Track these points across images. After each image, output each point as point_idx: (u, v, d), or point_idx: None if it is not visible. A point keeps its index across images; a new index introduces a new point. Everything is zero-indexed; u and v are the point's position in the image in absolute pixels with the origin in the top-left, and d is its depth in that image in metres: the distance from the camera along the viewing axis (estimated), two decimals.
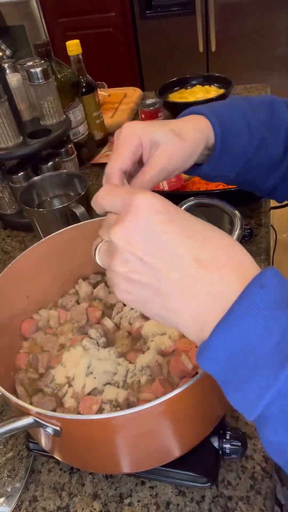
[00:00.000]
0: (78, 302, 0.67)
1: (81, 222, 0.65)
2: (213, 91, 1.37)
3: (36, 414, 0.41)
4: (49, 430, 0.41)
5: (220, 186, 0.94)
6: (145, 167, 0.45)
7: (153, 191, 0.44)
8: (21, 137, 0.95)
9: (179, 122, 0.48)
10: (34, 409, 0.41)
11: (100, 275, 0.69)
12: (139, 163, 0.46)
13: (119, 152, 0.44)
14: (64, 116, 1.03)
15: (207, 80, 1.42)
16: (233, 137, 0.51)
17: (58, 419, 0.40)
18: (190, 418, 0.47)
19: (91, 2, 2.37)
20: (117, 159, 0.43)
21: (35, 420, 0.41)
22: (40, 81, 0.94)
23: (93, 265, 0.69)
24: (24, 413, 0.42)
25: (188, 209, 0.65)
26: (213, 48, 2.37)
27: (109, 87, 1.56)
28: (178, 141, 0.46)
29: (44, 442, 0.49)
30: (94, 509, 0.54)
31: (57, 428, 0.41)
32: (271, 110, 0.55)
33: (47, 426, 0.41)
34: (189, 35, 2.34)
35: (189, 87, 1.42)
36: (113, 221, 0.34)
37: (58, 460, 0.55)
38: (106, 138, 1.32)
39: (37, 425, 0.41)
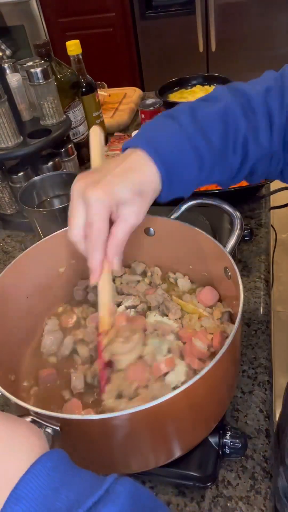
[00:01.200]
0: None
1: None
2: None
3: (35, 414, 0.41)
4: (49, 430, 0.41)
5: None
6: (116, 226, 0.47)
7: None
8: (21, 137, 0.95)
9: (135, 175, 0.47)
10: (33, 409, 0.41)
11: None
12: None
13: (99, 246, 0.46)
14: (64, 116, 1.03)
15: (207, 80, 1.42)
16: (181, 174, 0.49)
17: (57, 419, 0.40)
18: (190, 418, 0.47)
19: (91, 2, 2.37)
20: (100, 253, 0.47)
21: (34, 420, 0.41)
22: (40, 81, 0.94)
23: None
24: (23, 413, 0.42)
25: (188, 209, 0.65)
26: (213, 48, 2.37)
27: (109, 87, 1.56)
28: (140, 200, 0.47)
29: None
30: None
31: (57, 428, 0.41)
32: (225, 123, 0.50)
33: (46, 426, 0.41)
34: (189, 35, 2.34)
35: (189, 87, 1.43)
36: None
37: None
38: (106, 138, 1.32)
39: (36, 425, 0.41)
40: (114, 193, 0.45)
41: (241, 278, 0.49)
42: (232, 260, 0.52)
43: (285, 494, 0.70)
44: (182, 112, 0.51)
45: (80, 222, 0.47)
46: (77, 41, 1.13)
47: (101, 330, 0.50)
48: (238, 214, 0.60)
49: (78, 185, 0.47)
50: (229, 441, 0.52)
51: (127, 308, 0.63)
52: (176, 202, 0.66)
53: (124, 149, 0.50)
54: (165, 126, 0.50)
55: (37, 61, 0.98)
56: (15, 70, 1.03)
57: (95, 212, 0.45)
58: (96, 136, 0.58)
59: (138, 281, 0.67)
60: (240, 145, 0.51)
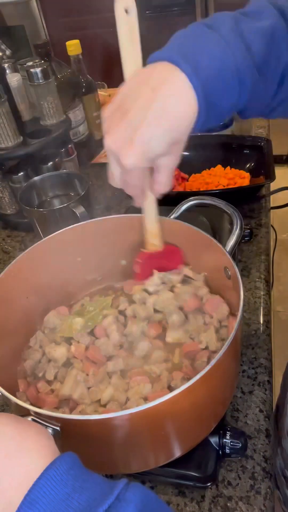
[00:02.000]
0: None
1: (81, 222, 0.65)
2: None
3: (35, 414, 0.41)
4: (49, 430, 0.41)
5: (220, 186, 0.94)
6: (158, 174, 0.47)
7: None
8: (21, 137, 0.95)
9: (171, 118, 0.41)
10: (33, 409, 0.41)
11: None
12: None
13: (138, 194, 0.50)
14: (64, 116, 1.03)
15: None
16: (219, 99, 0.43)
17: (57, 419, 0.40)
18: (190, 418, 0.47)
19: (91, 2, 2.37)
20: (141, 197, 0.51)
21: (34, 420, 0.41)
22: (40, 81, 0.94)
23: (93, 265, 0.69)
24: (23, 413, 0.42)
25: (188, 209, 0.65)
26: None
27: (109, 87, 1.56)
28: (178, 147, 0.44)
29: None
30: None
31: (57, 428, 0.41)
32: (269, 44, 0.43)
33: (46, 426, 0.41)
34: None
35: None
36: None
37: None
38: None
39: None
40: (150, 152, 0.42)
41: (241, 278, 0.49)
42: (232, 260, 0.52)
43: (283, 472, 0.73)
44: (222, 22, 0.43)
45: (117, 174, 0.46)
46: (77, 41, 1.13)
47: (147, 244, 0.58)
48: (238, 214, 0.60)
49: (110, 143, 0.43)
50: (229, 441, 0.52)
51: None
52: (176, 202, 0.66)
53: (152, 61, 0.45)
54: (202, 36, 0.43)
55: (37, 61, 0.98)
56: (15, 70, 1.03)
57: (131, 176, 0.45)
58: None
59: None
60: (279, 74, 0.45)
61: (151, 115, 0.40)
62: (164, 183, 0.48)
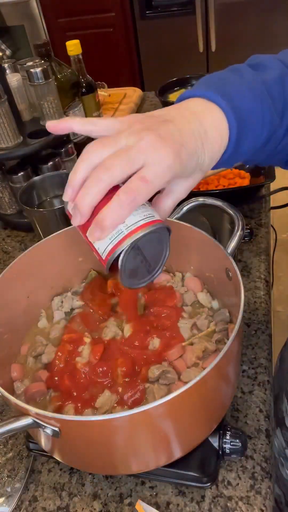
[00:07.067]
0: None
1: None
2: None
3: (35, 414, 0.41)
4: (48, 430, 0.41)
5: (220, 186, 0.94)
6: (163, 198, 0.43)
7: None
8: (21, 137, 0.95)
9: (206, 139, 0.40)
10: (33, 409, 0.41)
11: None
12: None
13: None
14: (64, 116, 1.02)
15: None
16: (246, 138, 0.43)
17: (57, 420, 0.40)
18: (190, 419, 0.47)
19: (91, 2, 2.37)
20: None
21: (34, 420, 0.41)
22: (40, 81, 0.94)
23: (93, 265, 0.69)
24: (23, 413, 0.42)
25: (189, 210, 0.65)
26: (213, 48, 2.36)
27: (109, 87, 1.56)
28: (199, 176, 0.43)
29: (43, 442, 0.49)
30: (94, 509, 0.54)
31: (56, 429, 0.41)
32: (282, 89, 0.45)
33: (46, 426, 0.41)
34: (189, 35, 2.34)
35: (189, 87, 1.42)
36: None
37: (58, 460, 0.55)
38: None
39: (36, 425, 0.41)
40: (183, 161, 0.35)
41: (241, 278, 0.49)
42: (233, 261, 0.52)
43: (280, 453, 0.73)
44: (243, 69, 0.46)
45: (119, 178, 0.36)
46: (77, 41, 1.13)
47: None
48: (239, 214, 0.60)
49: (132, 121, 0.39)
50: (229, 441, 0.52)
51: None
52: (178, 203, 0.66)
53: (183, 99, 0.43)
54: (229, 78, 0.44)
55: (37, 61, 0.98)
56: (15, 70, 1.03)
57: (153, 182, 0.34)
58: None
59: None
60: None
61: (189, 126, 0.39)
62: (169, 209, 0.43)
